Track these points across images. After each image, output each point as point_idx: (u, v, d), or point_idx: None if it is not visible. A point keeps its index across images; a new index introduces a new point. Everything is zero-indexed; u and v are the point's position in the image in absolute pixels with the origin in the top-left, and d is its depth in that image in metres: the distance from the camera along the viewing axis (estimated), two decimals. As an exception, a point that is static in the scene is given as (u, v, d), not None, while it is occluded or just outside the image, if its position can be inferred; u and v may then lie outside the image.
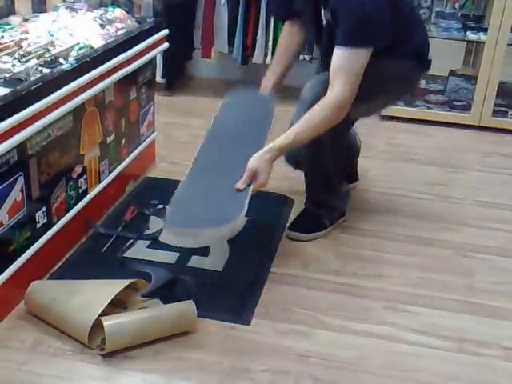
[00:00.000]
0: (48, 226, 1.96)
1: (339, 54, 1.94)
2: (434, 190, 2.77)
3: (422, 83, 3.78)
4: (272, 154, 1.94)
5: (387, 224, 2.46)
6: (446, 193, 2.76)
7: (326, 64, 2.05)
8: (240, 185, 1.88)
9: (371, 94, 2.07)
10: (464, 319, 1.94)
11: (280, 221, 2.41)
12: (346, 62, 1.93)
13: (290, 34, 2.32)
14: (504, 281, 2.15)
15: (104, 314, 1.67)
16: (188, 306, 1.78)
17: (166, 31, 2.61)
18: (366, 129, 3.37)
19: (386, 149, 3.20)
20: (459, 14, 3.71)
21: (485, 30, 3.37)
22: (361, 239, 2.35)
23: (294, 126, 1.99)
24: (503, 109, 3.50)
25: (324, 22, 2.08)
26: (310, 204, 2.37)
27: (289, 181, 2.50)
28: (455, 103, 3.57)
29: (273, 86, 2.28)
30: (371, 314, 1.93)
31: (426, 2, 3.58)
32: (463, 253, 2.30)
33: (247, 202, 1.81)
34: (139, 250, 2.16)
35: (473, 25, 3.55)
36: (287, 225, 2.37)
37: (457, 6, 3.77)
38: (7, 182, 1.72)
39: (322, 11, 2.07)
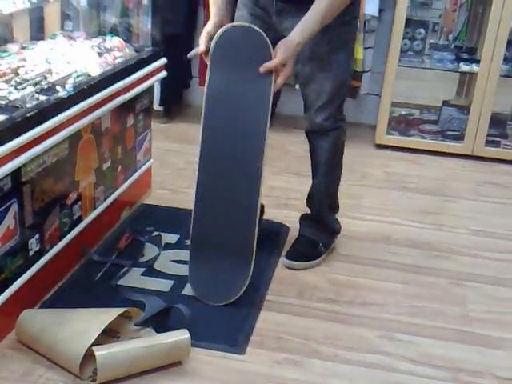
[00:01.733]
0: (41, 253, 1.95)
1: None
2: (428, 219, 2.78)
3: (416, 113, 3.83)
4: (300, 43, 1.89)
5: (381, 252, 2.47)
6: (440, 221, 2.77)
7: None
8: (265, 68, 1.89)
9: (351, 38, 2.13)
10: (458, 348, 1.94)
11: (275, 248, 2.41)
12: None
13: None
14: (497, 310, 2.15)
15: (96, 343, 1.65)
16: (182, 336, 1.76)
17: (163, 60, 2.63)
18: (360, 157, 3.41)
19: (381, 177, 3.22)
20: (452, 45, 3.76)
21: (477, 62, 3.43)
22: (355, 267, 2.35)
23: (315, 9, 1.88)
24: (496, 139, 3.54)
25: None
26: (309, 229, 2.37)
27: (285, 207, 2.51)
28: (449, 133, 3.61)
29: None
30: (365, 343, 1.92)
31: (419, 33, 3.64)
32: (456, 281, 2.31)
33: (252, 264, 2.03)
34: (133, 278, 2.15)
35: (466, 56, 3.61)
36: (283, 252, 2.37)
37: (450, 37, 3.83)
38: (0, 210, 1.72)
39: None
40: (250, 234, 2.02)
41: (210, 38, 1.99)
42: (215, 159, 2.05)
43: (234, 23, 2.04)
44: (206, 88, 2.02)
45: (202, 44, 2.00)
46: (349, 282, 2.25)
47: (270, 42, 1.93)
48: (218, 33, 1.98)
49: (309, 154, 2.31)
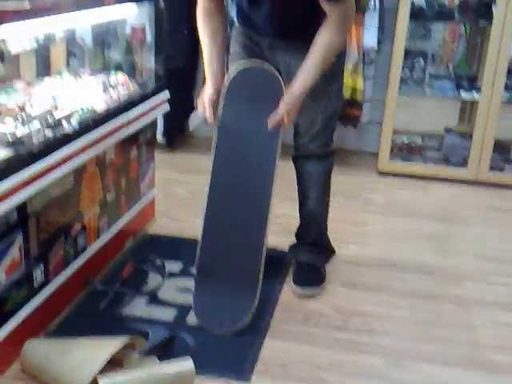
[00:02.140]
0: (45, 283, 1.97)
1: (332, 8, 1.89)
2: (434, 245, 2.78)
3: (419, 140, 3.85)
4: (305, 94, 1.98)
5: (387, 278, 2.46)
6: (446, 247, 2.76)
7: (275, 26, 2.04)
8: (272, 124, 1.99)
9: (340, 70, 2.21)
10: (467, 375, 1.91)
11: (279, 275, 2.41)
12: (342, 10, 1.90)
13: (213, 10, 2.10)
14: (506, 335, 2.13)
15: (100, 372, 1.65)
16: (186, 364, 1.76)
17: (166, 94, 2.68)
18: (364, 184, 3.43)
19: (385, 204, 3.22)
20: (452, 74, 3.80)
21: (478, 90, 3.46)
22: (360, 294, 2.34)
23: (312, 58, 1.94)
24: (499, 164, 3.54)
25: None
26: (309, 255, 2.38)
27: (288, 234, 2.51)
28: (452, 159, 3.62)
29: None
30: (373, 371, 1.91)
31: (419, 63, 3.69)
32: (465, 307, 2.29)
33: (259, 289, 2.04)
34: (137, 307, 2.15)
35: (466, 84, 3.64)
36: (287, 279, 2.37)
37: (450, 67, 3.87)
38: (6, 242, 1.74)
39: None
40: (256, 264, 2.04)
41: (214, 104, 2.07)
42: (225, 188, 2.09)
43: (249, 63, 2.10)
44: (218, 122, 2.08)
45: (210, 114, 2.06)
46: (355, 308, 2.24)
47: (282, 81, 2.02)
48: (233, 72, 2.07)
49: (296, 180, 2.35)
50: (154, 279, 2.32)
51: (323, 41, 1.93)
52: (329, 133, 2.26)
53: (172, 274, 2.38)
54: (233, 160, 2.08)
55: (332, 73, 2.08)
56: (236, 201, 2.07)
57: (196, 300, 2.09)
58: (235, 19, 2.25)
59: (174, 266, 2.43)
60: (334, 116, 2.26)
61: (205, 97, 2.09)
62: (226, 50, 2.17)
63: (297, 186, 2.36)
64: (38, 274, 1.92)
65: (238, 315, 2.03)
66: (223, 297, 2.06)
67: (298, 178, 2.34)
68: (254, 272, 2.05)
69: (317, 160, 2.27)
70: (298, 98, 1.98)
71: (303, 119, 2.16)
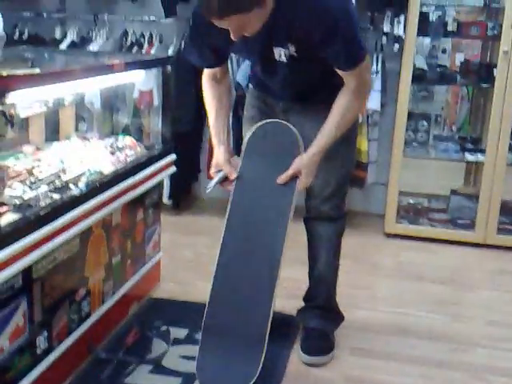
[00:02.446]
0: (48, 350, 1.93)
1: (348, 73, 1.92)
2: (444, 310, 2.73)
3: (425, 202, 3.85)
4: (319, 155, 1.97)
5: (397, 345, 2.41)
6: (456, 312, 2.72)
7: (290, 90, 2.08)
8: (283, 178, 1.97)
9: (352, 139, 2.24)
10: None
11: (286, 341, 2.36)
12: (357, 70, 1.92)
13: (218, 75, 2.14)
14: (520, 404, 2.07)
15: None
16: None
17: (173, 156, 2.70)
18: (371, 247, 3.40)
19: (393, 267, 3.19)
20: (456, 136, 3.84)
21: (483, 151, 3.47)
22: (371, 361, 2.29)
23: (330, 122, 1.97)
24: (507, 226, 3.52)
25: (281, 58, 1.95)
26: (318, 321, 2.33)
27: (295, 298, 2.48)
28: (459, 221, 3.61)
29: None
30: None
31: (423, 125, 3.73)
32: (477, 375, 2.23)
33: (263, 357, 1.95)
34: (141, 376, 2.10)
35: (470, 146, 3.66)
36: (295, 346, 2.32)
37: (453, 128, 3.91)
38: (10, 307, 1.72)
39: (275, 49, 1.94)
40: (263, 326, 1.97)
41: (231, 163, 2.08)
42: (237, 244, 2.05)
43: (268, 120, 2.12)
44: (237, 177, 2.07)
45: (229, 170, 2.06)
46: (366, 377, 2.18)
47: (300, 139, 2.02)
48: (254, 128, 2.09)
49: (307, 242, 2.32)
50: (158, 346, 2.27)
51: (341, 105, 1.96)
52: (341, 195, 2.26)
53: (177, 341, 2.33)
54: (247, 216, 2.07)
55: (346, 136, 2.09)
56: (247, 256, 2.03)
57: (199, 360, 2.00)
58: (250, 83, 2.30)
59: (179, 332, 2.39)
60: (346, 179, 2.27)
61: (219, 158, 2.09)
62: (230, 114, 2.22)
63: (307, 248, 2.34)
64: (42, 341, 1.89)
65: (240, 379, 1.95)
66: (228, 358, 1.98)
67: (308, 239, 2.32)
68: (260, 334, 1.98)
69: (328, 222, 2.26)
70: (313, 158, 1.97)
71: (317, 181, 2.15)
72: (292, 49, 1.90)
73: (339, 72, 1.93)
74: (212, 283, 2.05)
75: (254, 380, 1.94)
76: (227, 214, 2.06)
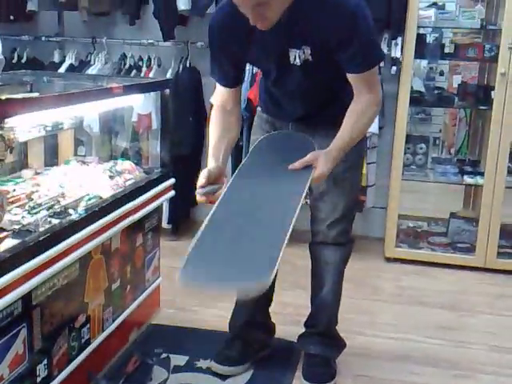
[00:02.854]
0: (49, 379, 1.89)
1: (361, 76, 1.91)
2: (445, 335, 2.71)
3: (424, 225, 3.83)
4: (336, 153, 1.88)
5: (399, 372, 2.38)
6: (457, 337, 2.69)
7: (301, 105, 2.06)
8: (297, 165, 1.81)
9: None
10: None
11: (288, 369, 2.33)
12: (369, 76, 1.92)
13: (228, 115, 2.07)
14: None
15: None
16: None
17: (172, 180, 2.69)
18: (371, 271, 3.38)
19: (393, 292, 3.17)
20: (455, 159, 3.84)
21: (481, 174, 3.47)
22: (373, 389, 2.26)
23: (344, 129, 1.92)
24: (508, 250, 3.51)
25: (296, 62, 1.92)
26: (320, 347, 2.30)
27: (297, 324, 2.45)
28: (459, 245, 3.59)
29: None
30: None
31: (421, 148, 3.73)
32: (481, 402, 2.21)
33: (281, 253, 1.49)
34: (142, 404, 2.07)
35: (469, 169, 3.65)
36: (297, 373, 2.29)
37: (452, 151, 3.91)
38: (10, 335, 1.69)
39: (291, 52, 1.91)
40: (282, 227, 1.59)
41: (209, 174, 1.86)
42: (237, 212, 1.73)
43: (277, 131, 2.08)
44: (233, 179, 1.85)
45: (200, 184, 1.85)
46: (367, 404, 2.16)
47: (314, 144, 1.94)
48: (266, 135, 2.05)
49: (311, 267, 2.29)
50: (158, 374, 2.25)
51: (355, 109, 1.92)
52: (349, 220, 2.22)
53: (177, 368, 2.30)
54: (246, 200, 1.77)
55: (355, 160, 2.08)
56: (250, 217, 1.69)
57: (193, 252, 1.55)
58: (258, 107, 2.28)
59: (179, 359, 2.36)
60: (353, 204, 2.25)
61: (212, 169, 1.88)
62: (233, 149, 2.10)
63: (311, 274, 2.30)
64: (42, 369, 1.85)
65: (256, 269, 1.46)
66: (234, 248, 1.56)
67: (313, 265, 2.28)
68: (277, 233, 1.57)
69: (335, 247, 2.21)
70: (330, 153, 1.86)
71: (325, 205, 2.14)
72: (307, 51, 1.89)
73: (351, 78, 1.91)
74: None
75: (274, 272, 1.44)
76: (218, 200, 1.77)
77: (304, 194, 1.74)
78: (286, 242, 1.53)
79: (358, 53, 1.86)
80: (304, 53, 1.90)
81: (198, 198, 1.86)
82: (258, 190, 1.79)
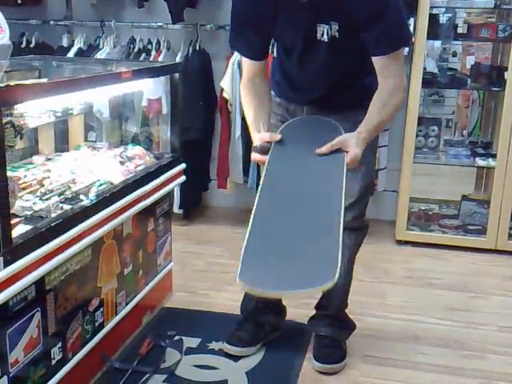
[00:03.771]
0: (63, 362, 1.93)
1: (387, 58, 1.87)
2: (455, 316, 2.72)
3: (436, 208, 3.82)
4: (366, 135, 1.83)
5: (409, 352, 2.40)
6: (468, 318, 2.70)
7: (320, 86, 2.03)
8: (324, 149, 1.76)
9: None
10: None
11: (299, 350, 2.35)
12: (395, 59, 1.88)
13: (258, 79, 2.07)
14: (534, 411, 2.05)
15: None
16: None
17: (182, 165, 2.70)
18: (382, 254, 3.39)
19: (404, 274, 3.17)
20: (467, 141, 3.80)
21: (494, 156, 3.45)
22: (384, 369, 2.28)
23: (372, 114, 1.87)
24: (518, 232, 3.50)
25: (323, 38, 1.91)
26: (330, 329, 2.32)
27: (307, 307, 2.47)
28: (470, 227, 3.58)
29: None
30: None
31: (433, 130, 3.70)
32: (489, 382, 2.22)
33: (340, 253, 1.43)
34: (155, 386, 2.11)
35: (481, 151, 3.62)
36: (307, 355, 2.31)
37: (464, 133, 3.87)
38: (24, 319, 1.72)
39: (319, 27, 1.90)
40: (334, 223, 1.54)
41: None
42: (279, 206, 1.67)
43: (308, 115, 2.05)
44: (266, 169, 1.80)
45: (275, 136, 1.89)
46: (377, 385, 2.18)
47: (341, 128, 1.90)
48: (291, 120, 2.02)
49: None
50: (171, 356, 2.28)
51: (382, 91, 1.87)
52: (363, 204, 2.21)
53: (190, 350, 2.33)
54: (287, 185, 1.75)
55: (369, 144, 2.01)
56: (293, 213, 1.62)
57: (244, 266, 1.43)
58: (272, 91, 2.22)
59: (191, 341, 2.39)
60: (368, 187, 2.23)
61: (260, 133, 1.94)
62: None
63: None
64: (56, 352, 1.89)
65: (321, 272, 1.40)
66: (290, 248, 1.49)
67: None
68: (331, 228, 1.51)
69: (349, 232, 2.17)
70: (359, 135, 1.82)
71: None
72: (335, 27, 1.87)
73: (376, 61, 1.88)
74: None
75: (337, 272, 1.37)
76: (261, 182, 1.75)
77: (345, 180, 1.70)
78: (341, 237, 1.48)
79: (385, 31, 1.83)
80: (331, 29, 1.88)
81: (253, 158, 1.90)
82: (296, 174, 1.77)
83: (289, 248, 1.48)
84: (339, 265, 1.38)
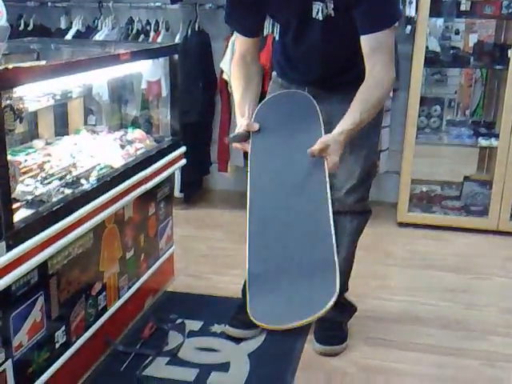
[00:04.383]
0: (67, 345, 1.94)
1: (373, 38, 1.85)
2: (457, 297, 2.72)
3: (438, 189, 3.81)
4: (344, 136, 1.78)
5: (411, 334, 2.41)
6: (469, 300, 2.71)
7: (318, 66, 2.02)
8: (312, 152, 1.72)
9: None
10: None
11: (301, 332, 2.36)
12: (384, 39, 1.86)
13: (248, 65, 2.06)
14: (536, 392, 2.07)
15: None
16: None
17: (183, 149, 2.69)
18: (383, 236, 3.39)
19: (406, 256, 3.18)
20: (470, 121, 3.78)
21: (496, 136, 3.42)
22: (385, 351, 2.29)
23: (354, 109, 1.83)
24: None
25: (318, 16, 1.89)
26: (332, 311, 2.30)
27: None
28: (472, 208, 3.57)
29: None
30: (399, 433, 1.85)
31: (435, 110, 3.67)
32: (491, 363, 2.23)
33: (338, 274, 1.55)
34: (158, 368, 2.12)
35: (484, 131, 3.60)
36: (308, 337, 2.32)
37: (467, 113, 3.85)
38: (27, 303, 1.73)
39: (314, 5, 1.88)
40: (328, 249, 1.62)
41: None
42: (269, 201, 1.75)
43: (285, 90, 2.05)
44: (250, 154, 1.86)
45: (253, 125, 1.90)
46: (379, 366, 2.19)
47: (316, 104, 1.90)
48: (268, 96, 2.02)
49: None
50: (174, 339, 2.29)
51: (364, 89, 1.85)
52: (366, 187, 2.19)
53: (192, 333, 2.35)
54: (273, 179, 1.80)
55: (371, 125, 2.00)
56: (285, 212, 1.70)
57: (252, 299, 1.53)
58: (273, 72, 2.23)
59: (194, 324, 2.40)
60: (371, 170, 2.20)
61: (241, 120, 1.94)
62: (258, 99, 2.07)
63: None
64: (60, 336, 1.90)
65: (313, 304, 1.51)
66: (290, 290, 1.56)
67: None
68: (326, 259, 1.59)
69: (352, 216, 2.18)
70: (338, 137, 1.78)
71: (340, 172, 2.02)
72: (330, 5, 1.86)
73: (363, 42, 1.85)
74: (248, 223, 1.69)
75: (331, 303, 1.50)
76: (249, 172, 1.83)
77: (328, 186, 1.71)
78: (337, 261, 1.58)
79: (372, 8, 1.80)
80: (327, 7, 1.86)
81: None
82: (279, 169, 1.79)
83: (289, 274, 1.58)
84: (337, 288, 1.51)
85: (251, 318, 1.46)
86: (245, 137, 1.90)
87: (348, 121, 1.83)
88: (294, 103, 1.98)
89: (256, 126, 1.90)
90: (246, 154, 1.98)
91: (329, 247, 1.60)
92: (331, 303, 1.49)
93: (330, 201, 1.68)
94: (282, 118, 1.96)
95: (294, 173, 1.79)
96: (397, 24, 1.91)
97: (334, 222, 2.07)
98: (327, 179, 1.72)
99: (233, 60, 2.11)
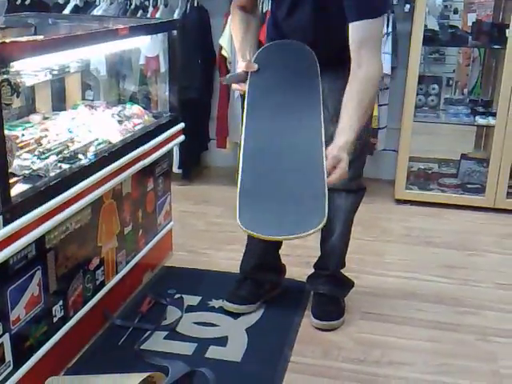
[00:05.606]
0: (65, 319, 1.96)
1: (360, 27, 1.83)
2: (452, 273, 2.74)
3: (435, 167, 3.82)
4: (350, 144, 1.78)
5: (407, 309, 2.43)
6: (464, 276, 2.73)
7: (311, 35, 2.00)
8: (330, 179, 1.69)
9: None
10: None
11: (298, 308, 2.38)
12: (370, 33, 1.85)
13: (247, 12, 2.10)
14: (529, 366, 2.09)
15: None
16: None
17: (181, 125, 2.69)
18: (381, 213, 3.41)
19: (402, 232, 3.19)
20: (467, 99, 3.78)
21: (493, 115, 3.43)
22: (381, 325, 2.31)
23: (350, 113, 1.81)
24: (517, 191, 3.50)
25: None
26: (328, 287, 2.35)
27: (306, 266, 2.50)
28: (469, 186, 3.59)
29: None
30: (394, 405, 1.88)
31: (433, 89, 3.67)
32: (485, 337, 2.26)
33: (326, 202, 1.60)
34: (156, 342, 2.13)
35: (481, 110, 3.60)
36: (306, 312, 2.35)
37: (465, 92, 3.84)
38: (25, 277, 1.74)
39: None
40: (319, 178, 1.67)
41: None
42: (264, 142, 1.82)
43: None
44: (246, 99, 1.91)
45: (252, 65, 1.95)
46: (375, 340, 2.21)
47: (313, 54, 1.94)
48: (267, 44, 2.04)
49: None
50: (172, 313, 2.30)
51: (353, 90, 1.83)
52: (360, 164, 2.18)
53: (190, 308, 2.36)
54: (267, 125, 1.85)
55: None
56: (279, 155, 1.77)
57: (243, 208, 1.60)
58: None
59: (192, 299, 2.42)
60: (365, 146, 2.19)
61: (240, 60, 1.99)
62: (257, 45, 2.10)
63: None
64: (58, 310, 1.92)
65: (305, 223, 1.57)
66: (281, 203, 1.63)
67: None
68: (316, 185, 1.64)
69: (346, 194, 2.19)
70: (345, 146, 1.77)
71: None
72: None
73: (351, 34, 1.85)
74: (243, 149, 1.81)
75: (323, 220, 1.57)
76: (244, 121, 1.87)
77: (322, 118, 1.80)
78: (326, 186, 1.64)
79: None
80: None
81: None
82: (275, 110, 1.86)
83: (280, 192, 1.66)
84: (326, 212, 1.57)
85: (239, 225, 1.54)
86: (242, 77, 1.95)
87: (345, 127, 1.80)
88: (293, 50, 2.01)
89: (255, 66, 1.95)
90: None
91: (319, 174, 1.67)
92: (321, 225, 1.56)
93: (322, 132, 1.77)
94: (281, 61, 2.00)
95: (290, 107, 1.87)
96: (384, 16, 1.91)
97: (329, 199, 2.10)
98: (321, 111, 1.82)
99: (232, 3, 2.12)
